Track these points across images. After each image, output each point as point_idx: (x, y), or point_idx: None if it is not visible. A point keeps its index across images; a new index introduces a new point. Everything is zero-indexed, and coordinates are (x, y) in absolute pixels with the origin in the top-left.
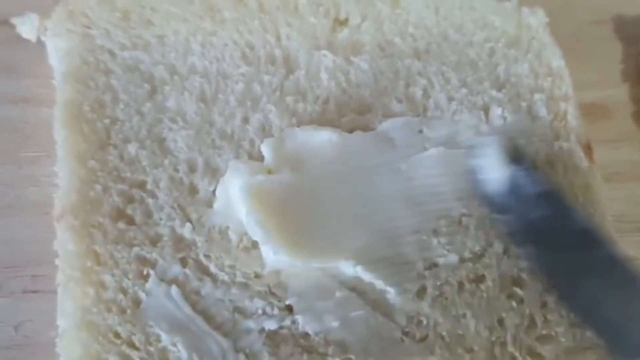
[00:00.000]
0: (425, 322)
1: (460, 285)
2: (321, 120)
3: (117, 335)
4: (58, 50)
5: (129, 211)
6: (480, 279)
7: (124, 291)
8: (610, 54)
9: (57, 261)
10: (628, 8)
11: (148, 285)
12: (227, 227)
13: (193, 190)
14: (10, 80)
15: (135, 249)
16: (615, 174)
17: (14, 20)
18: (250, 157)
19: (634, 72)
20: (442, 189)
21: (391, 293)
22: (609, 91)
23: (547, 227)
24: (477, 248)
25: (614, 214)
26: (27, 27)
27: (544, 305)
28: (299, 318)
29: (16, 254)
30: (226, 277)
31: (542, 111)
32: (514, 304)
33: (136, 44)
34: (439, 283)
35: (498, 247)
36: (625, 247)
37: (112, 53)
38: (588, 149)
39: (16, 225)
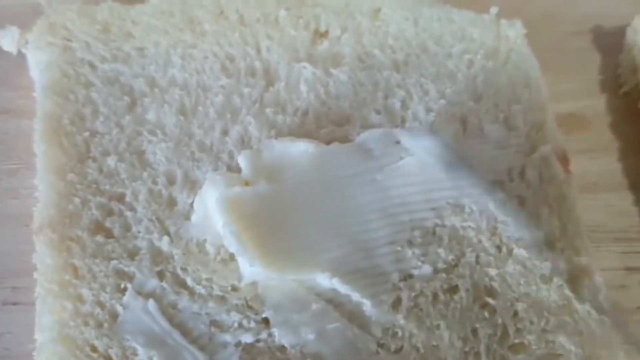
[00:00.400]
0: (400, 333)
1: (435, 296)
2: (300, 132)
3: (94, 349)
4: (39, 63)
5: (107, 224)
6: (454, 289)
7: (101, 305)
8: (589, 64)
9: (35, 274)
10: (606, 20)
11: (125, 298)
12: (205, 240)
13: (171, 202)
14: None
15: (113, 263)
16: (592, 184)
17: None
18: (229, 169)
19: (612, 83)
20: (416, 198)
21: (367, 305)
22: (587, 101)
23: None
24: (450, 258)
25: (591, 224)
26: (7, 39)
27: (515, 314)
28: (275, 331)
29: None
30: (203, 291)
31: (519, 122)
32: (486, 314)
33: (116, 56)
34: (413, 294)
35: (470, 256)
36: (602, 257)
37: (92, 66)
38: (564, 159)
39: None
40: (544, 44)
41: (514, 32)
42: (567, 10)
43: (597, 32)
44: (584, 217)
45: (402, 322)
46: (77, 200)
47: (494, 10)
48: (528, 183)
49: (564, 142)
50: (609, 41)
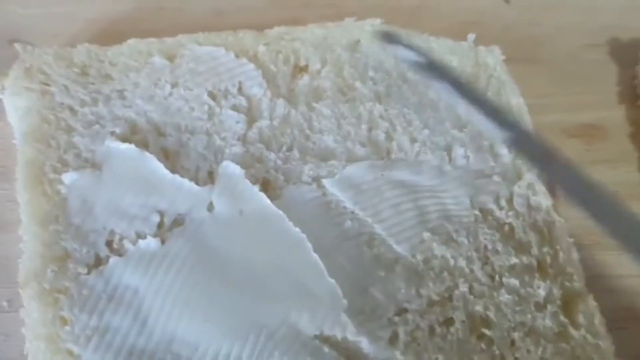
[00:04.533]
0: None
1: (431, 329)
2: (285, 169)
3: None
4: (17, 109)
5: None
6: (449, 321)
7: None
8: (606, 76)
9: (23, 329)
10: (622, 32)
11: None
12: None
13: None
14: None
15: None
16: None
17: None
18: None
19: (629, 94)
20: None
21: (364, 342)
22: (605, 113)
23: None
24: (443, 290)
25: None
26: None
27: (512, 343)
28: None
29: None
30: None
31: (504, 149)
32: (483, 345)
33: (96, 99)
34: (410, 329)
35: (463, 287)
36: (623, 265)
37: (72, 110)
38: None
39: None
40: (561, 56)
41: (492, 58)
42: (583, 23)
43: (613, 44)
44: None
45: (400, 357)
46: (62, 249)
47: (471, 37)
48: (516, 210)
49: (585, 153)
50: (625, 53)
